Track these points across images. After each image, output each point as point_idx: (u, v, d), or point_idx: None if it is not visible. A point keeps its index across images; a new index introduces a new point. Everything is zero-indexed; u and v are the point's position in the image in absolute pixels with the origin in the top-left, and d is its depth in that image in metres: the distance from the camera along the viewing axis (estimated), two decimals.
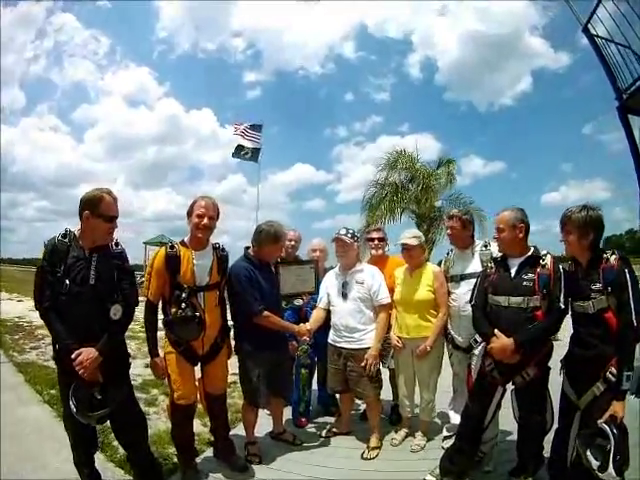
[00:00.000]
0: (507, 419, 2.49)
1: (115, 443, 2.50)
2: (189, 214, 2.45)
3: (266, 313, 2.56)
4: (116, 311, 2.02)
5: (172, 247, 2.43)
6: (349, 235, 2.84)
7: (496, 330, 2.23)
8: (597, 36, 5.81)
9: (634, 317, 1.85)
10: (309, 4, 39.81)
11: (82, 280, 1.97)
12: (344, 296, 2.82)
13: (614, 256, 1.96)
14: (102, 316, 1.99)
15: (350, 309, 2.79)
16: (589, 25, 5.30)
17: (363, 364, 2.71)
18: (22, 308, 8.98)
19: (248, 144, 14.49)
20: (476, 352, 2.57)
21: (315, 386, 3.52)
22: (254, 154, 14.77)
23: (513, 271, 2.28)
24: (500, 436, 2.71)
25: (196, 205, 2.44)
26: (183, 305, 2.31)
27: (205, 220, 2.41)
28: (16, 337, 6.31)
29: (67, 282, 1.95)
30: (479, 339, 2.49)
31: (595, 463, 1.79)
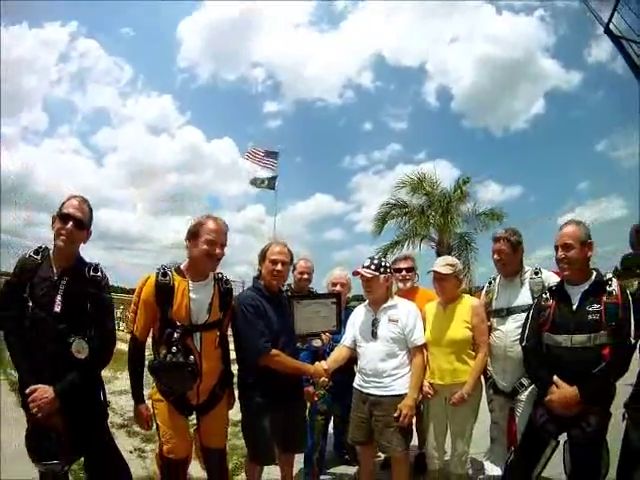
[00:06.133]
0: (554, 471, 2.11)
1: None
2: (194, 236, 1.99)
3: (274, 351, 2.17)
4: (80, 348, 1.73)
5: (164, 274, 1.97)
6: (372, 267, 2.37)
7: (556, 378, 1.92)
8: (621, 37, 6.35)
9: None
10: (327, 35, 41.66)
11: (46, 304, 1.72)
12: (374, 335, 2.38)
13: None
14: (68, 353, 1.71)
15: (380, 350, 2.35)
16: (610, 25, 5.58)
17: (395, 414, 2.25)
18: None
19: (264, 173, 14.50)
20: (522, 398, 2.27)
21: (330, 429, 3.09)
22: (270, 182, 14.79)
23: (575, 302, 1.96)
24: None
25: (205, 229, 1.98)
26: (174, 349, 1.86)
27: (217, 249, 1.99)
28: None
29: (30, 304, 1.71)
30: (525, 382, 2.22)
31: None
